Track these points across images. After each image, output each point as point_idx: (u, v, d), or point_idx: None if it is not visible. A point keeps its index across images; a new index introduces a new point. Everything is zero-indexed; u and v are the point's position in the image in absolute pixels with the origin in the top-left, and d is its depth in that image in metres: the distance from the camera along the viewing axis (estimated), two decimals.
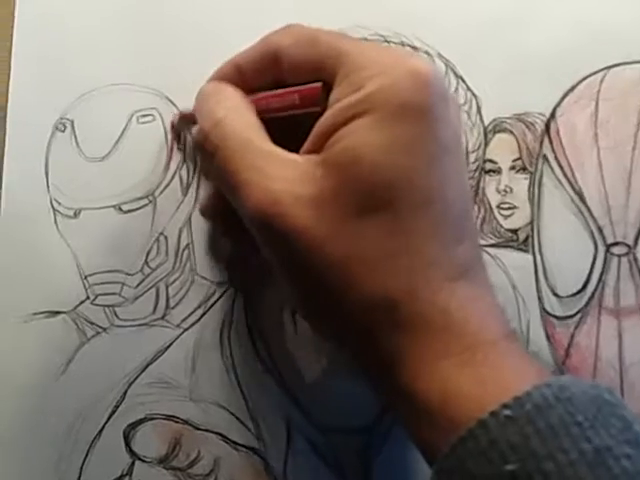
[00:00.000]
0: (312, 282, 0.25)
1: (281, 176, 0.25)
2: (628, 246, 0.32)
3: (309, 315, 0.27)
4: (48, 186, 0.31)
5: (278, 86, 0.27)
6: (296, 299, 0.27)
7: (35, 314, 0.31)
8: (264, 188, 0.25)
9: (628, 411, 0.22)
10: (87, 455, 0.31)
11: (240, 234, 0.27)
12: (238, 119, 0.27)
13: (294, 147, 0.26)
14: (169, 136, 0.32)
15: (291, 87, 0.27)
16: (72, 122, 0.31)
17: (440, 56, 0.32)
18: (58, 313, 0.31)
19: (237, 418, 0.32)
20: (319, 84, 0.26)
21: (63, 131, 0.31)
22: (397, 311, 0.24)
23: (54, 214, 0.31)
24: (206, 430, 0.32)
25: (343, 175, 0.24)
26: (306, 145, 0.26)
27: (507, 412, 0.21)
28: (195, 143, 0.29)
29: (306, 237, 0.24)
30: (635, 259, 0.32)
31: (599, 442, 0.20)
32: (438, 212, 0.24)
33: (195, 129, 0.28)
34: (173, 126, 0.32)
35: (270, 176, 0.25)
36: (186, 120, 0.31)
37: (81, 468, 0.31)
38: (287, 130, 0.26)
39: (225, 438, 0.32)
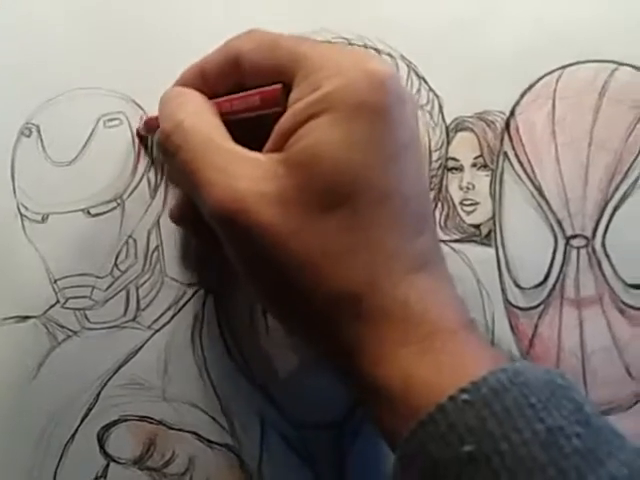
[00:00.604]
0: (276, 278, 0.26)
1: (243, 174, 0.25)
2: (586, 238, 0.34)
3: (273, 310, 0.28)
4: (15, 191, 0.31)
5: (240, 90, 0.28)
6: (260, 295, 0.28)
7: (5, 319, 0.31)
8: (227, 186, 0.25)
9: (579, 394, 0.23)
10: (61, 459, 0.31)
11: (209, 238, 0.28)
12: (200, 120, 0.27)
13: (257, 148, 0.27)
14: (136, 140, 0.32)
15: (253, 90, 0.28)
16: (38, 127, 0.31)
17: (403, 58, 0.33)
18: (28, 318, 0.31)
19: (211, 417, 0.32)
20: (279, 85, 0.27)
21: (29, 136, 0.31)
22: (359, 303, 0.25)
23: (21, 219, 0.31)
24: (180, 430, 0.32)
25: (304, 173, 0.25)
26: (268, 145, 0.26)
27: (465, 396, 0.22)
28: (157, 144, 0.30)
29: (270, 233, 0.25)
30: (594, 250, 0.34)
31: (551, 422, 0.21)
32: (396, 207, 0.25)
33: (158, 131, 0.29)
34: (139, 133, 0.32)
35: (232, 174, 0.26)
36: (150, 125, 0.31)
37: (55, 472, 0.31)
38: (250, 132, 0.27)
39: (199, 437, 0.32)
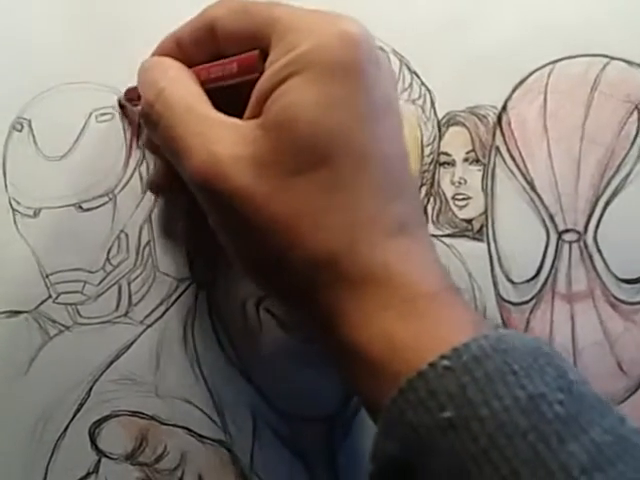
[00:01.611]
0: (255, 240, 0.26)
1: (222, 139, 0.26)
2: (578, 233, 0.34)
3: (253, 276, 0.28)
4: (6, 186, 0.32)
5: (217, 58, 0.29)
6: (240, 261, 0.28)
7: None
8: (206, 151, 0.26)
9: (565, 362, 0.23)
10: (52, 454, 0.32)
11: (187, 208, 0.29)
12: (180, 87, 0.28)
13: (238, 116, 0.27)
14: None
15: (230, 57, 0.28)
16: (29, 121, 0.32)
17: (395, 52, 0.34)
18: (20, 312, 0.32)
19: (203, 412, 0.33)
20: (256, 51, 0.27)
21: (20, 130, 0.32)
22: (338, 266, 0.25)
23: (13, 214, 0.32)
24: (172, 425, 0.33)
25: (280, 134, 0.25)
26: (247, 111, 0.27)
27: (445, 363, 0.22)
28: (141, 115, 0.30)
29: (248, 196, 0.25)
30: (585, 245, 0.34)
31: (533, 389, 0.21)
32: (375, 168, 0.26)
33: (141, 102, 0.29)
34: (120, 103, 0.32)
35: (211, 140, 0.26)
36: (130, 95, 0.32)
37: (47, 467, 0.32)
38: (229, 100, 0.27)
39: (191, 432, 0.33)
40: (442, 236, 0.34)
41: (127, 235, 0.33)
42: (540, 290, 0.34)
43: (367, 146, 0.26)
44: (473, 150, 0.34)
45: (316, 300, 0.26)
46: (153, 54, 0.31)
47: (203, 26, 0.29)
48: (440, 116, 0.34)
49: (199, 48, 0.29)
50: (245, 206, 0.25)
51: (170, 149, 0.27)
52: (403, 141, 0.27)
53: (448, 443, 0.22)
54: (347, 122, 0.25)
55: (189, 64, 0.29)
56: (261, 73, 0.27)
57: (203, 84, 0.29)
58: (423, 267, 0.26)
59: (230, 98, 0.28)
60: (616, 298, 0.34)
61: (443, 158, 0.34)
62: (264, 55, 0.27)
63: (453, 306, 0.25)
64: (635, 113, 0.34)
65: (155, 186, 0.33)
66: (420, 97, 0.34)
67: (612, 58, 0.34)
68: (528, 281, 0.34)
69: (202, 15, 0.29)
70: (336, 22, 0.26)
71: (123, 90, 0.32)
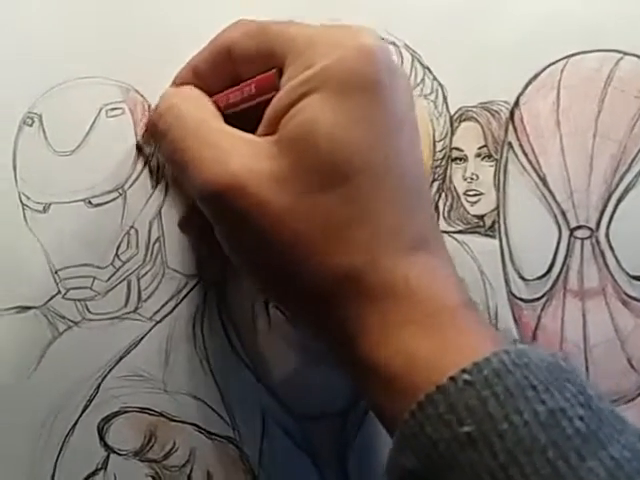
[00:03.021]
0: (272, 257, 0.26)
1: (236, 152, 0.26)
2: (590, 229, 0.35)
3: (270, 292, 0.29)
4: (16, 181, 0.32)
5: (235, 83, 0.29)
6: (255, 278, 0.28)
7: (5, 310, 0.32)
8: (219, 162, 0.26)
9: (582, 377, 0.24)
10: (61, 450, 0.32)
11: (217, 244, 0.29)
12: (193, 103, 0.29)
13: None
14: (139, 130, 0.33)
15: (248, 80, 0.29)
16: (40, 116, 0.32)
17: (407, 47, 0.34)
18: (29, 308, 0.32)
19: (212, 408, 0.33)
20: (273, 70, 0.27)
21: (31, 125, 0.32)
22: (359, 280, 0.26)
23: (23, 209, 0.32)
24: (181, 421, 0.33)
25: (298, 151, 0.26)
26: (261, 127, 0.27)
27: (466, 377, 0.23)
28: (148, 123, 0.30)
29: (267, 211, 0.26)
30: (597, 242, 0.35)
31: (553, 404, 0.22)
32: (395, 182, 0.26)
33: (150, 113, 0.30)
34: (138, 146, 0.33)
35: (226, 151, 0.26)
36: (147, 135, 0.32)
37: (55, 463, 0.32)
38: (247, 123, 0.28)
39: (200, 429, 0.33)
40: (453, 232, 0.35)
41: (137, 231, 0.33)
42: (552, 287, 0.35)
43: (387, 161, 0.26)
44: (485, 145, 0.35)
45: (335, 316, 0.26)
46: (171, 84, 0.31)
47: (219, 51, 0.29)
48: (452, 111, 0.35)
49: (216, 74, 0.29)
50: (264, 221, 0.26)
51: (178, 160, 0.28)
52: (419, 153, 0.28)
53: (467, 458, 0.22)
54: (366, 138, 0.26)
55: (207, 91, 0.30)
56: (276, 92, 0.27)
57: (222, 110, 0.29)
58: (443, 282, 0.26)
59: (244, 121, 0.28)
60: (628, 295, 0.35)
61: (455, 153, 0.35)
62: (281, 74, 0.27)
63: (472, 321, 0.26)
64: None
65: (185, 225, 0.33)
66: (432, 92, 0.35)
67: (625, 53, 0.35)
68: (540, 278, 0.35)
69: (217, 40, 0.29)
70: (352, 36, 0.26)
71: (134, 86, 0.33)
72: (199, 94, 0.29)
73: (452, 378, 0.23)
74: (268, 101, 0.27)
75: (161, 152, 0.31)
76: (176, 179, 0.32)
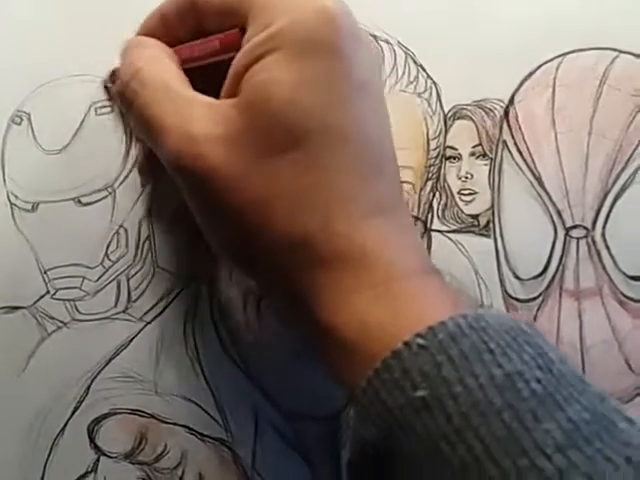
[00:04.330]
0: (229, 222, 0.27)
1: (197, 118, 0.26)
2: (586, 229, 0.35)
3: (230, 258, 0.29)
4: (4, 180, 0.33)
5: (202, 35, 0.29)
6: (215, 239, 0.28)
7: None
8: (181, 130, 0.26)
9: (545, 341, 0.24)
10: (50, 452, 0.33)
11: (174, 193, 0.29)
12: (157, 67, 0.29)
13: (217, 96, 0.28)
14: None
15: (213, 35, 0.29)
16: (29, 115, 0.33)
17: (400, 45, 0.35)
18: (17, 308, 0.33)
19: (204, 410, 0.34)
20: (236, 29, 0.28)
21: (19, 124, 0.33)
22: (313, 247, 0.26)
23: (11, 208, 0.33)
24: (172, 423, 0.33)
25: (254, 113, 0.26)
26: (224, 89, 0.27)
27: (420, 341, 0.23)
28: (116, 93, 0.31)
29: (221, 176, 0.26)
30: (593, 241, 0.35)
31: (510, 367, 0.22)
32: (354, 149, 0.26)
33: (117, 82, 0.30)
34: (105, 85, 0.33)
35: (187, 119, 0.27)
36: (114, 77, 0.32)
37: (45, 465, 0.33)
38: (211, 80, 0.28)
39: (192, 430, 0.33)
40: (448, 232, 0.35)
41: (126, 230, 0.33)
42: (547, 287, 0.35)
43: (344, 126, 0.26)
44: (480, 144, 0.35)
45: (291, 281, 0.26)
46: (138, 32, 0.31)
47: (185, 2, 0.29)
48: (446, 109, 0.35)
49: (182, 24, 0.30)
50: (218, 186, 0.26)
51: (145, 128, 0.28)
52: (384, 121, 0.28)
53: (422, 423, 0.22)
54: (323, 101, 0.26)
55: (174, 40, 0.30)
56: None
57: (185, 62, 0.29)
58: (401, 249, 0.26)
59: (209, 78, 0.28)
60: (624, 295, 0.35)
61: (449, 152, 0.35)
62: (244, 32, 0.27)
63: (431, 287, 0.26)
64: None
65: (145, 169, 0.33)
66: (426, 90, 0.35)
67: (621, 52, 0.35)
68: (535, 278, 0.35)
69: None
70: None
71: None
72: (163, 54, 0.29)
73: (406, 343, 0.23)
74: (230, 60, 0.27)
75: (129, 120, 0.32)
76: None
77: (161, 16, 0.30)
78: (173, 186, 0.29)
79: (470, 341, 0.22)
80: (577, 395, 0.22)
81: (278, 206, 0.26)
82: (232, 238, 0.27)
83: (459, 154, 0.35)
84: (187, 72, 0.29)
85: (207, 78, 0.28)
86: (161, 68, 0.29)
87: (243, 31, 0.27)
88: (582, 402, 0.22)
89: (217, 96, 0.28)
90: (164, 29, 0.30)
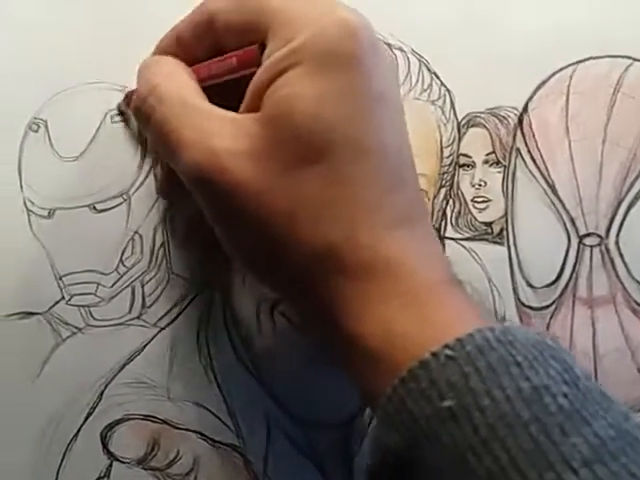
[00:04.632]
0: (254, 234, 0.27)
1: (219, 132, 0.27)
2: (600, 237, 0.35)
3: (253, 271, 0.29)
4: (22, 186, 0.33)
5: (218, 53, 0.29)
6: (238, 253, 0.29)
7: (9, 315, 0.33)
8: (202, 144, 0.27)
9: (570, 357, 0.24)
10: (64, 458, 0.33)
11: (197, 212, 0.29)
12: (174, 82, 0.29)
13: (234, 111, 0.28)
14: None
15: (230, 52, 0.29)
16: (45, 122, 0.33)
17: (414, 52, 0.35)
18: (33, 314, 0.33)
19: (216, 416, 0.34)
20: (255, 46, 0.28)
21: (36, 131, 0.33)
22: (338, 258, 0.26)
23: (28, 214, 0.33)
24: (185, 429, 0.34)
25: (278, 127, 0.26)
26: (244, 104, 0.28)
27: (448, 352, 0.23)
28: (133, 109, 0.31)
29: (245, 190, 0.26)
30: (607, 249, 0.35)
31: (537, 381, 0.22)
32: (375, 160, 0.26)
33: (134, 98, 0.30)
34: (119, 108, 0.33)
35: (207, 133, 0.27)
36: (131, 98, 0.32)
37: (58, 471, 0.33)
38: (229, 95, 0.28)
39: (204, 436, 0.34)
40: (461, 239, 0.35)
41: (141, 236, 0.34)
42: (561, 295, 0.35)
43: (365, 138, 0.26)
44: (493, 152, 0.35)
45: (316, 291, 0.27)
46: (154, 52, 0.32)
47: (202, 20, 0.29)
48: (460, 117, 0.35)
49: (199, 43, 0.30)
50: (243, 201, 0.26)
51: (163, 143, 0.28)
52: (404, 131, 0.28)
53: (448, 433, 0.22)
54: (345, 114, 0.26)
55: (190, 60, 0.30)
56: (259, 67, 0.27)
57: (203, 81, 0.30)
58: (424, 258, 0.26)
59: (227, 94, 0.28)
60: (638, 304, 0.35)
61: (463, 160, 0.35)
62: (263, 48, 0.27)
63: (455, 297, 0.26)
64: None
65: (165, 190, 0.33)
66: (440, 98, 0.35)
67: (635, 59, 0.35)
68: (548, 286, 0.35)
69: (200, 9, 0.30)
70: (333, 11, 0.27)
71: None
72: (180, 70, 0.30)
73: (434, 353, 0.23)
74: (252, 75, 0.28)
75: (147, 136, 0.32)
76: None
77: (177, 37, 0.31)
78: (188, 196, 0.29)
79: (498, 354, 0.23)
80: (602, 412, 0.22)
81: (303, 218, 0.26)
82: (256, 249, 0.28)
83: (473, 162, 0.35)
84: (208, 91, 0.29)
85: (224, 94, 0.28)
86: (178, 84, 0.29)
87: (262, 47, 0.28)
88: (607, 418, 0.22)
89: (234, 111, 0.28)
90: (180, 49, 0.30)
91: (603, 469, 0.20)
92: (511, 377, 0.22)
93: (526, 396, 0.22)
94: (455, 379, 0.22)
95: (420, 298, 0.25)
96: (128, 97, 0.33)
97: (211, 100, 0.29)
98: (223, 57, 0.29)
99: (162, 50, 0.31)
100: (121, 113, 0.33)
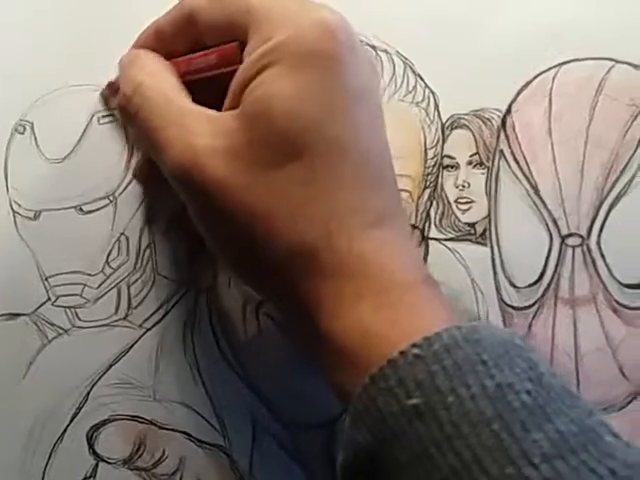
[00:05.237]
0: (232, 232, 0.28)
1: (200, 131, 0.27)
2: (582, 237, 0.36)
3: (233, 268, 0.30)
4: (7, 188, 0.33)
5: (199, 49, 0.30)
6: (218, 249, 0.29)
7: None
8: (183, 142, 0.27)
9: (537, 355, 0.24)
10: (50, 458, 0.33)
11: (173, 199, 0.30)
12: (158, 81, 0.29)
13: (218, 108, 0.29)
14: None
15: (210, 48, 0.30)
16: (32, 124, 0.33)
17: (398, 54, 0.36)
18: (18, 315, 0.33)
19: (202, 416, 0.34)
20: (235, 43, 0.28)
21: (22, 133, 0.33)
22: (315, 257, 0.27)
23: (14, 216, 0.33)
24: (171, 429, 0.34)
25: (255, 126, 0.27)
26: (226, 102, 0.28)
27: (416, 351, 0.23)
28: (118, 107, 0.31)
29: (223, 188, 0.27)
30: (589, 250, 0.36)
31: (502, 379, 0.23)
32: (353, 160, 0.27)
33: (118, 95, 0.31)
34: (102, 95, 0.34)
35: (189, 131, 0.27)
36: (113, 88, 0.33)
37: (44, 472, 0.33)
38: (210, 92, 0.29)
39: (190, 437, 0.34)
40: (445, 240, 0.36)
41: (127, 238, 0.34)
42: (543, 295, 0.36)
43: (343, 137, 0.27)
44: (477, 153, 0.36)
45: (293, 290, 0.27)
46: (134, 45, 0.32)
47: (182, 16, 0.30)
48: (444, 119, 0.36)
49: (179, 39, 0.30)
50: (221, 198, 0.27)
51: (148, 141, 0.29)
52: (382, 131, 0.28)
53: (414, 430, 0.23)
54: (323, 113, 0.26)
55: (169, 55, 0.31)
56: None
57: (183, 76, 0.30)
58: (400, 259, 0.27)
59: (210, 91, 0.29)
60: (619, 303, 0.36)
61: (447, 161, 0.36)
62: (243, 46, 0.28)
63: (428, 297, 0.27)
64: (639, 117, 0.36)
65: (142, 176, 0.34)
66: (424, 100, 0.36)
67: (617, 61, 0.36)
68: (531, 285, 0.36)
69: (181, 5, 0.30)
70: (312, 10, 0.27)
71: None
72: (162, 67, 0.30)
73: (402, 352, 0.24)
74: (229, 72, 0.28)
75: (132, 133, 0.32)
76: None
77: (157, 31, 0.31)
78: (170, 194, 0.30)
79: (464, 352, 0.23)
80: (566, 408, 0.23)
81: (280, 216, 0.27)
82: (235, 247, 0.28)
83: (456, 163, 0.36)
84: (188, 85, 0.30)
85: (209, 92, 0.29)
86: (162, 81, 0.29)
87: (242, 45, 0.28)
88: (570, 415, 0.22)
89: (215, 108, 0.29)
90: (160, 43, 0.31)
91: (563, 464, 0.21)
92: (476, 375, 0.23)
93: (490, 394, 0.22)
94: (422, 377, 0.23)
95: (394, 297, 0.26)
96: (110, 86, 0.33)
97: (195, 96, 0.29)
98: (202, 53, 0.30)
99: (142, 43, 0.32)
100: (105, 100, 0.34)
